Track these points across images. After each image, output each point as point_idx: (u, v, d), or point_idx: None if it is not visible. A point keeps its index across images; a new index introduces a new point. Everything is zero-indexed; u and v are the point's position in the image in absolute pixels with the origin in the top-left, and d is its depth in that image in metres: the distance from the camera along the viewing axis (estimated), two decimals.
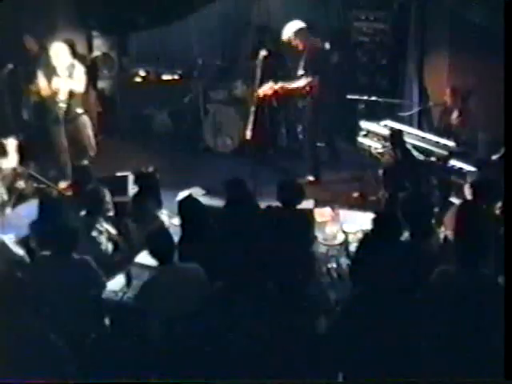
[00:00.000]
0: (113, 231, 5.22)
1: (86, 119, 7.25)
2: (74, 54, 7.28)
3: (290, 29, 7.09)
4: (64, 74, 6.91)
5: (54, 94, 6.94)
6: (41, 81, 6.97)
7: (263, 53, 7.42)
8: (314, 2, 8.29)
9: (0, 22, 7.23)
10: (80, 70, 7.03)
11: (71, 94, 6.98)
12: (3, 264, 4.78)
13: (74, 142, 7.23)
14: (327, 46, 7.24)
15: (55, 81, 6.90)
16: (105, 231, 5.15)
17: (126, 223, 5.44)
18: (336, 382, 4.05)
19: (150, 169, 6.26)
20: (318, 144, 7.56)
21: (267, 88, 7.22)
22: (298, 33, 7.07)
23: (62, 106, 6.96)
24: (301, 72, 7.13)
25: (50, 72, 6.92)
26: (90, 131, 7.31)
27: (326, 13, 8.22)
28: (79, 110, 7.14)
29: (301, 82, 7.11)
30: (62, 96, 6.93)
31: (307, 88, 7.10)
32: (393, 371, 3.69)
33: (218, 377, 3.79)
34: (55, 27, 8.22)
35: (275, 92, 7.25)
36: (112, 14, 8.35)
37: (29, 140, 7.06)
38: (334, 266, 5.01)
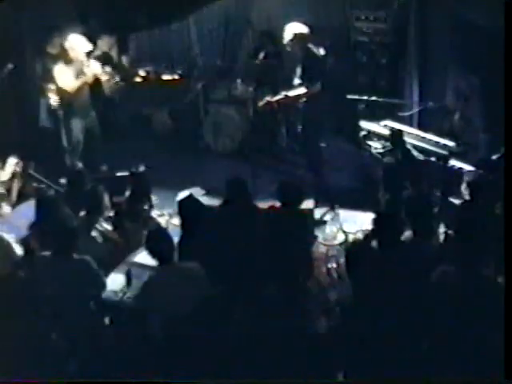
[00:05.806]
0: (112, 231, 5.23)
1: (79, 121, 7.27)
2: None
3: (290, 31, 6.76)
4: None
5: (52, 94, 6.99)
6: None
7: (263, 53, 7.41)
8: (314, 2, 8.29)
9: (0, 22, 7.23)
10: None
11: (68, 94, 7.02)
12: (3, 264, 4.78)
13: (73, 142, 7.24)
14: (322, 51, 7.01)
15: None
16: (104, 231, 5.16)
17: (123, 223, 5.46)
18: (336, 382, 4.06)
19: (141, 169, 6.27)
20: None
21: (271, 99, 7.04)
22: (297, 37, 6.76)
23: (60, 106, 7.02)
24: (297, 81, 7.02)
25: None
26: (82, 132, 7.33)
27: (325, 13, 8.21)
28: (76, 111, 7.17)
29: (300, 91, 6.90)
30: (58, 97, 6.99)
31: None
32: (393, 371, 3.70)
33: (217, 377, 3.80)
34: (55, 27, 8.21)
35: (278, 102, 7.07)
36: (112, 13, 8.35)
37: (29, 140, 7.06)
38: (334, 265, 5.01)
